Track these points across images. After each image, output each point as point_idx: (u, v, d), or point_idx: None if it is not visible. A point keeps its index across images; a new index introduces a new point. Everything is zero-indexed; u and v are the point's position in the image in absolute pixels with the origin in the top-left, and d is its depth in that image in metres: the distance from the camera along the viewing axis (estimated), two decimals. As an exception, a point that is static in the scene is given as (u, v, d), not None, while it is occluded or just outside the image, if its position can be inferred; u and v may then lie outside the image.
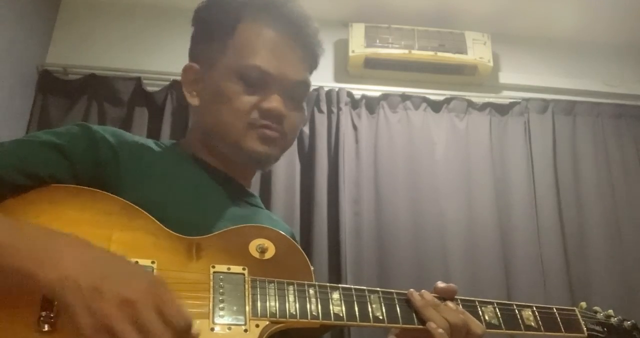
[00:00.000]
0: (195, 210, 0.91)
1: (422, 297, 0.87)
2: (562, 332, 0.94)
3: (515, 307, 0.93)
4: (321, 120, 2.53)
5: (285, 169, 2.41)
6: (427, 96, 2.68)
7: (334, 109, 2.56)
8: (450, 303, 0.88)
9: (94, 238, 0.73)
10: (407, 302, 0.87)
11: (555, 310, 0.96)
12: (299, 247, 0.90)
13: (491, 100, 2.73)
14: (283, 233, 0.89)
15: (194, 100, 1.03)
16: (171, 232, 0.83)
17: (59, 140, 0.85)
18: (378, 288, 0.87)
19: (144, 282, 0.67)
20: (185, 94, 1.03)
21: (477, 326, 0.87)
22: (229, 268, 0.80)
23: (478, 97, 2.73)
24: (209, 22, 1.03)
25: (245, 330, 0.76)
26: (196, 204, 0.93)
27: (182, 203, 0.90)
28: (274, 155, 1.01)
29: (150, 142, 0.99)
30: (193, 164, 1.00)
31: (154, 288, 0.66)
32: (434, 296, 0.89)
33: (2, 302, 0.69)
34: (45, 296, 0.69)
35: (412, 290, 0.88)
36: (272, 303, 0.79)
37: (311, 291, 0.82)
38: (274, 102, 0.97)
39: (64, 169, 0.83)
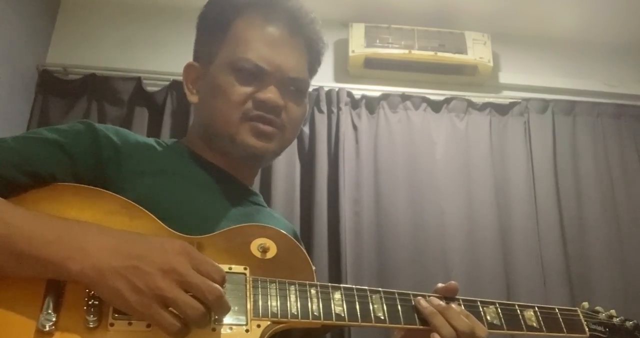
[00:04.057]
0: (197, 209, 0.91)
1: (429, 303, 0.86)
2: (564, 333, 0.94)
3: (517, 307, 0.93)
4: (321, 120, 2.53)
5: (285, 169, 2.41)
6: (427, 96, 2.68)
7: (334, 109, 2.55)
8: (455, 307, 0.87)
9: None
10: (409, 302, 0.87)
11: (557, 311, 0.96)
12: (301, 246, 0.89)
13: (491, 100, 2.73)
14: (285, 232, 0.89)
15: (193, 98, 1.03)
16: (173, 231, 0.82)
17: (61, 138, 0.85)
18: (380, 288, 0.87)
19: (174, 248, 0.71)
20: (186, 92, 1.04)
21: (481, 330, 0.86)
22: (230, 268, 0.80)
23: (478, 97, 2.72)
24: (207, 21, 1.04)
25: (247, 330, 0.76)
26: (198, 203, 0.92)
27: (184, 202, 0.90)
28: (271, 150, 0.98)
29: (152, 141, 0.99)
30: (195, 162, 1.00)
31: (185, 251, 0.71)
32: (437, 297, 0.89)
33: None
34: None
35: (419, 297, 0.87)
36: (274, 303, 0.79)
37: (313, 291, 0.82)
38: (269, 93, 0.95)
39: (65, 167, 0.83)
